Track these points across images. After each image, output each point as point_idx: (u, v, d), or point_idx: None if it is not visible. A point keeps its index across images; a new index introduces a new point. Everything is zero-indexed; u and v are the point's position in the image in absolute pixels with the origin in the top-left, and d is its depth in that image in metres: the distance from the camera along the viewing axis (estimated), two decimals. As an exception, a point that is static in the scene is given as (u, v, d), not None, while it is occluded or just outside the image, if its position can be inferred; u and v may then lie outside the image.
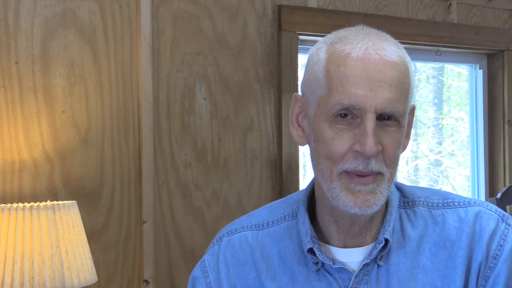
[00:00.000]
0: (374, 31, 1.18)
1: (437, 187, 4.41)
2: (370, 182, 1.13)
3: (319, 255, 1.18)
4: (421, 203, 1.24)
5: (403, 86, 1.14)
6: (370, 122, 1.11)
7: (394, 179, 1.17)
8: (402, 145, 1.17)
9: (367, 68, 1.12)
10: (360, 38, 1.15)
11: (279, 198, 2.74)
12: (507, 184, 3.55)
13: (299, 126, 1.22)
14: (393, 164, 1.14)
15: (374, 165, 1.12)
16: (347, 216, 1.18)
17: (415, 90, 4.35)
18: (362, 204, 1.12)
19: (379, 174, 1.13)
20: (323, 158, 1.15)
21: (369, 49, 1.13)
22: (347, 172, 1.13)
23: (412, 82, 1.17)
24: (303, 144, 1.22)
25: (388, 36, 1.18)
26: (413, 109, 1.22)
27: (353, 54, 1.13)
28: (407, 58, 1.18)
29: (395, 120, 1.13)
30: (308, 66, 1.20)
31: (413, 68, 1.20)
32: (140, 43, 2.52)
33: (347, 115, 1.12)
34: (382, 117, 1.12)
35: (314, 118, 1.17)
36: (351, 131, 1.12)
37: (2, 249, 1.95)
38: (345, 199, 1.13)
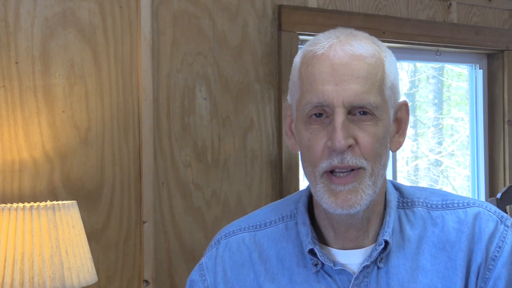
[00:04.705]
0: (348, 31, 1.17)
1: (437, 187, 4.41)
2: (350, 181, 1.12)
3: (320, 256, 1.17)
4: (420, 203, 1.23)
5: (374, 78, 1.12)
6: (338, 116, 1.10)
7: (380, 175, 1.15)
8: (384, 139, 1.15)
9: (332, 63, 1.12)
10: (328, 37, 1.15)
11: (279, 198, 2.74)
12: (507, 184, 3.55)
13: (292, 134, 1.22)
14: (373, 157, 1.12)
15: (350, 160, 1.11)
16: (341, 221, 1.17)
17: (415, 89, 4.35)
18: (344, 204, 1.12)
19: (360, 169, 1.12)
20: (307, 162, 1.15)
21: (334, 45, 1.13)
22: (327, 174, 1.13)
23: (388, 75, 1.15)
24: (297, 152, 1.22)
25: (361, 33, 1.17)
26: (404, 105, 1.21)
27: (318, 52, 1.13)
28: (384, 52, 1.16)
29: (370, 114, 1.12)
30: (290, 74, 1.21)
31: (391, 62, 1.17)
32: (140, 43, 2.52)
33: (322, 114, 1.13)
34: (356, 112, 1.12)
35: (296, 123, 1.18)
36: (324, 130, 1.12)
37: (2, 249, 1.95)
38: (327, 200, 1.13)
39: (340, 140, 1.09)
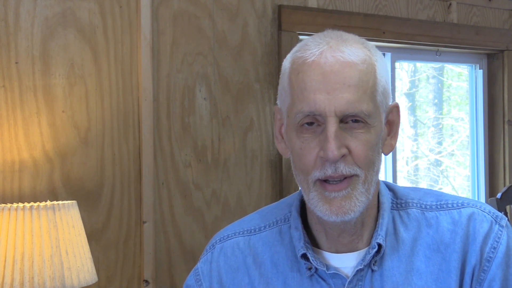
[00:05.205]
0: (338, 34, 1.15)
1: (437, 187, 4.41)
2: (344, 187, 1.11)
3: (313, 260, 1.16)
4: (414, 204, 1.22)
5: (366, 85, 1.11)
6: (331, 126, 1.09)
7: (373, 182, 1.14)
8: (377, 146, 1.14)
9: (323, 72, 1.10)
10: (318, 42, 1.13)
11: (279, 198, 2.74)
12: (507, 184, 3.55)
13: (282, 138, 1.21)
14: (366, 165, 1.11)
15: (344, 169, 1.10)
16: (334, 226, 1.16)
17: (415, 89, 4.35)
18: (338, 211, 1.11)
19: (354, 176, 1.11)
20: (298, 170, 1.14)
21: (325, 52, 1.11)
22: (320, 181, 1.12)
23: (379, 80, 1.13)
24: (287, 156, 1.20)
25: (351, 37, 1.15)
26: (395, 107, 1.19)
27: (309, 59, 1.11)
28: (374, 56, 1.14)
29: (361, 122, 1.11)
30: (280, 78, 1.19)
31: (382, 66, 1.15)
32: (140, 43, 2.52)
33: (313, 123, 1.11)
34: (348, 120, 1.10)
35: (286, 129, 1.16)
36: (316, 138, 1.11)
37: (2, 249, 1.95)
38: (322, 208, 1.12)
39: (333, 150, 1.08)
